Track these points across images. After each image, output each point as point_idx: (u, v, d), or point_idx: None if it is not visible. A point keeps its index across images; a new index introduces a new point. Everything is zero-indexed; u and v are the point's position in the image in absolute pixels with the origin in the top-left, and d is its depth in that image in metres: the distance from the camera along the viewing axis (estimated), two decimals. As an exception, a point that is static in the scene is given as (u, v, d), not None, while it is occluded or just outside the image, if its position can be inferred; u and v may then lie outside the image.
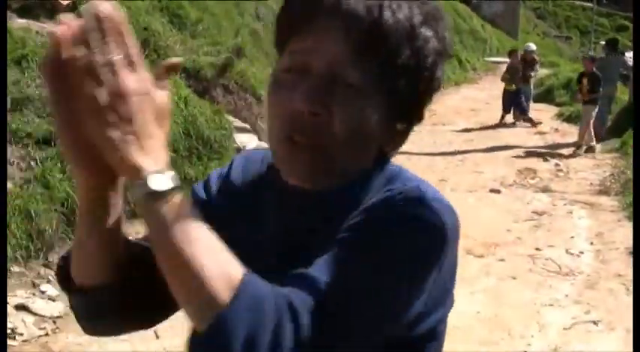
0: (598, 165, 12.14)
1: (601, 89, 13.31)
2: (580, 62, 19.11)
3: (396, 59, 1.10)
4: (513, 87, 15.75)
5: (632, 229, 7.96)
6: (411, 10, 1.11)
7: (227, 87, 10.24)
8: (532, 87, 17.13)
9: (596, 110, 13.48)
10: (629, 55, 39.04)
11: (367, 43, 1.08)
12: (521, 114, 16.01)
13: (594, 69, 13.46)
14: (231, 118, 9.58)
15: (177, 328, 4.58)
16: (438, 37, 1.15)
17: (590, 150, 13.21)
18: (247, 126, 10.07)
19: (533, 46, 17.50)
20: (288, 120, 1.11)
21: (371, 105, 1.12)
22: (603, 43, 17.63)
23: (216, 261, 0.94)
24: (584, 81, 13.29)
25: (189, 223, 0.95)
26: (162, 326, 4.37)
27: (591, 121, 13.30)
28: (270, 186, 1.25)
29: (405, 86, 1.13)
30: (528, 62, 16.42)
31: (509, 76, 16.13)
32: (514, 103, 15.97)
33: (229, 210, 1.29)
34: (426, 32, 1.12)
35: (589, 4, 58.95)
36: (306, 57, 1.11)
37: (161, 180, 0.95)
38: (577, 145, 13.34)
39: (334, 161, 1.14)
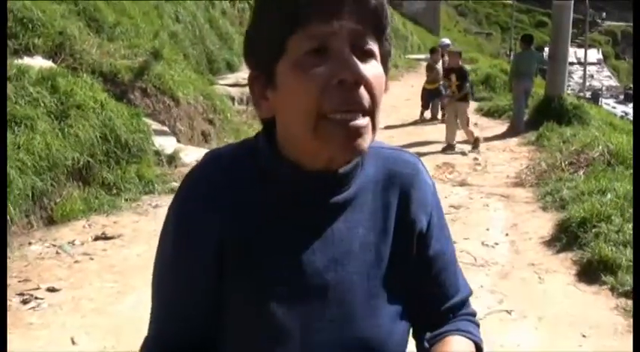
0: (515, 158, 12.37)
1: (467, 85, 13.39)
2: (501, 58, 19.40)
3: (387, 28, 1.27)
4: (436, 85, 15.96)
5: (548, 220, 8.17)
6: None
7: (145, 90, 10.17)
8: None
9: (469, 106, 13.56)
10: (547, 51, 39.84)
11: (375, 19, 1.23)
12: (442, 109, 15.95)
13: (461, 63, 13.60)
14: (149, 121, 9.51)
15: (94, 335, 4.54)
16: None
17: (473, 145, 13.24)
18: (166, 128, 10.01)
19: (447, 41, 18.11)
20: (329, 94, 1.18)
21: (381, 69, 1.26)
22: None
23: None
24: (453, 77, 13.19)
25: None
26: (77, 333, 4.32)
27: (468, 119, 13.49)
28: (281, 187, 1.32)
29: (388, 51, 1.30)
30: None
31: (431, 75, 16.32)
32: (438, 101, 16.12)
33: (270, 234, 1.32)
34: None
35: (509, 2, 59.93)
36: (327, 38, 1.19)
37: None
38: (478, 141, 13.37)
39: (377, 127, 1.26)
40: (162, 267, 1.36)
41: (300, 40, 1.20)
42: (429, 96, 16.31)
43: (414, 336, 1.51)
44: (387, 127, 14.71)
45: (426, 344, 1.43)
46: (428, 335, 1.44)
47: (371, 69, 1.21)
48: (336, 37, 1.18)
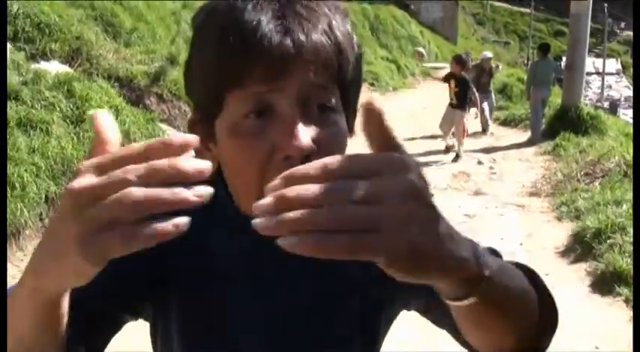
0: (531, 168, 12.32)
1: (470, 92, 12.98)
2: (519, 66, 19.30)
3: (348, 70, 1.07)
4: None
5: (563, 230, 8.14)
6: (343, 21, 1.08)
7: (160, 95, 10.21)
8: (493, 96, 16.67)
9: (466, 116, 13.27)
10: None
11: (331, 67, 1.04)
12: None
13: (462, 72, 12.96)
14: (164, 126, 9.55)
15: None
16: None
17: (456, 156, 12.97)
18: (181, 134, 10.04)
19: (489, 54, 17.05)
20: (273, 171, 0.96)
21: (343, 122, 1.08)
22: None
23: None
24: (452, 83, 12.73)
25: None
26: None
27: (465, 127, 13.15)
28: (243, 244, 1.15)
29: (353, 98, 1.13)
30: (487, 71, 15.89)
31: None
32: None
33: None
34: (354, 38, 1.11)
35: (527, 10, 59.87)
36: (270, 98, 1.01)
37: None
38: (450, 150, 13.23)
39: None
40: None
41: (238, 100, 1.02)
42: None
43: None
44: (410, 139, 14.46)
45: None
46: None
47: (327, 131, 1.04)
48: (281, 97, 1.01)
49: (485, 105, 15.16)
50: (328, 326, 1.22)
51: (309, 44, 1.00)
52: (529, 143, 14.45)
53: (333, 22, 1.05)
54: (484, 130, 15.47)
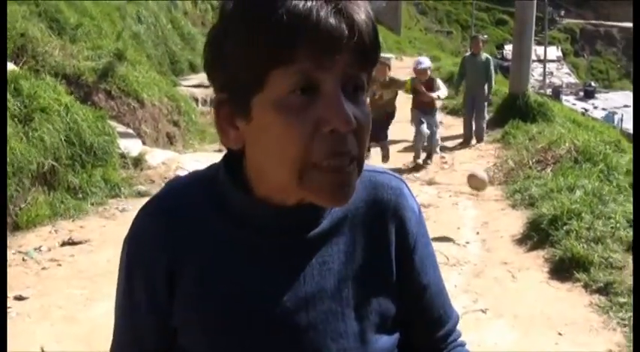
0: (482, 156, 12.42)
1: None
2: (462, 55, 18.99)
3: (379, 54, 1.14)
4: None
5: (518, 218, 8.20)
6: (365, 4, 1.12)
7: (109, 92, 10.05)
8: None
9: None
10: (508, 48, 40.07)
11: (366, 49, 1.09)
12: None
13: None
14: (114, 124, 9.40)
15: (65, 343, 4.43)
16: None
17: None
18: (131, 131, 9.91)
19: (426, 62, 12.18)
20: (319, 143, 1.07)
21: (368, 103, 1.16)
22: (486, 36, 17.36)
23: None
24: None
25: None
26: (48, 341, 4.22)
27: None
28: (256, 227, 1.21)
29: (371, 74, 1.17)
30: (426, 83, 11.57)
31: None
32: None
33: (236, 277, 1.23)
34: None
35: (469, 0, 60.43)
36: (317, 76, 1.06)
37: None
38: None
39: (362, 171, 1.16)
40: (118, 297, 1.32)
41: (284, 76, 1.06)
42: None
43: None
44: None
45: None
46: None
47: (361, 109, 1.11)
48: (327, 76, 1.06)
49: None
50: (325, 320, 1.24)
51: (359, 27, 1.06)
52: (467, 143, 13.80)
53: (369, 6, 1.12)
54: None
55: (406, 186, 1.37)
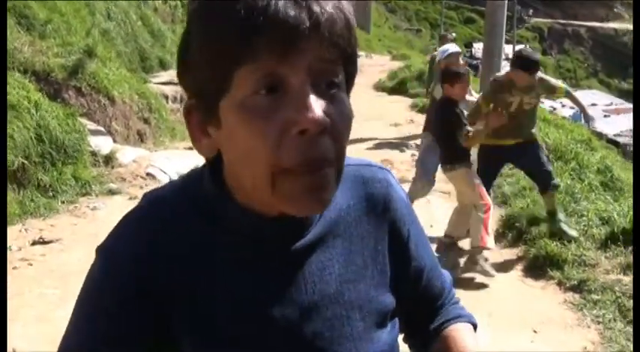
0: (453, 154, 12.40)
1: None
2: (431, 54, 18.82)
3: (355, 51, 1.07)
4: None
5: (492, 216, 8.20)
6: None
7: (79, 89, 9.93)
8: None
9: None
10: (477, 46, 40.21)
11: (336, 41, 1.01)
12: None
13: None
14: (84, 121, 9.29)
15: (37, 344, 4.37)
16: None
17: None
18: (101, 128, 9.80)
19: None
20: (288, 147, 0.98)
21: (348, 100, 1.08)
22: (454, 35, 17.21)
23: None
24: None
25: None
26: (19, 343, 4.15)
27: None
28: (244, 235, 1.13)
29: (352, 73, 1.10)
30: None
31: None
32: None
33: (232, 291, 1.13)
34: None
35: (437, -2, 60.78)
36: (282, 73, 0.98)
37: None
38: None
39: (341, 175, 1.08)
40: (77, 306, 1.14)
41: (248, 76, 0.99)
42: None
43: (405, 338, 1.47)
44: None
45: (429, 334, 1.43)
46: (431, 326, 1.42)
47: (337, 107, 1.02)
48: (293, 72, 0.98)
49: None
50: (331, 326, 1.19)
51: (324, 18, 0.99)
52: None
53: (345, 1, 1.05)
54: None
55: (390, 174, 1.36)
